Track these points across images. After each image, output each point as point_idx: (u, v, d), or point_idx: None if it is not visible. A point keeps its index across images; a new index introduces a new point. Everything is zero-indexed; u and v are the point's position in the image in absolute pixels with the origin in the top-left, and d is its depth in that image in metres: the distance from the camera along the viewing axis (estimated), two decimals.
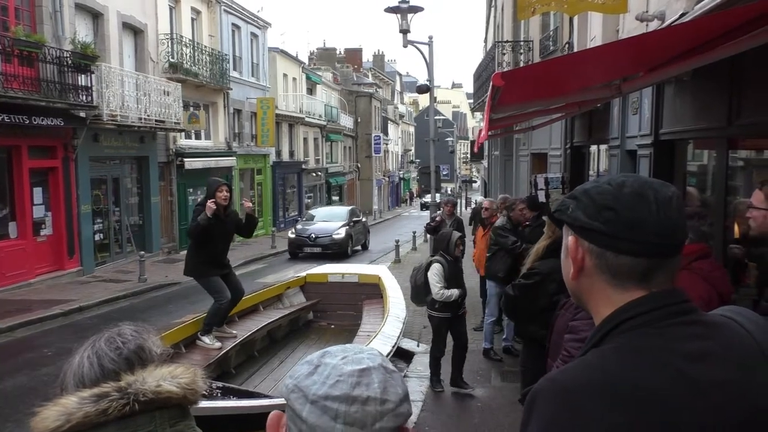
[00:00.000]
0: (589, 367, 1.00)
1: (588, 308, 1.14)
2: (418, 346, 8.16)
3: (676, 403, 0.94)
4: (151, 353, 1.39)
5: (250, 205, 7.25)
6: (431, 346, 6.66)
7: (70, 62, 13.36)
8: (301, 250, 19.01)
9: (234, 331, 7.13)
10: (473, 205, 28.28)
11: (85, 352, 1.37)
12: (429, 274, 6.30)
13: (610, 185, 1.07)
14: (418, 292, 6.61)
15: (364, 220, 22.93)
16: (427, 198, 47.71)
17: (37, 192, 13.67)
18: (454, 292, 6.26)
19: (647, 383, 0.95)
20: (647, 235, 1.02)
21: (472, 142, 34.13)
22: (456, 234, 6.55)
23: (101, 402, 1.23)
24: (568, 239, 1.12)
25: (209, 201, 6.45)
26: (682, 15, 4.70)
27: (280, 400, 4.98)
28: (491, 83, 3.34)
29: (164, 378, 1.29)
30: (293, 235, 19.47)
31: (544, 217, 8.34)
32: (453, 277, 6.31)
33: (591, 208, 1.06)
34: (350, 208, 23.89)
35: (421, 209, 47.85)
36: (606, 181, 1.09)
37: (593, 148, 10.24)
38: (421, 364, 7.53)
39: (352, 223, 20.41)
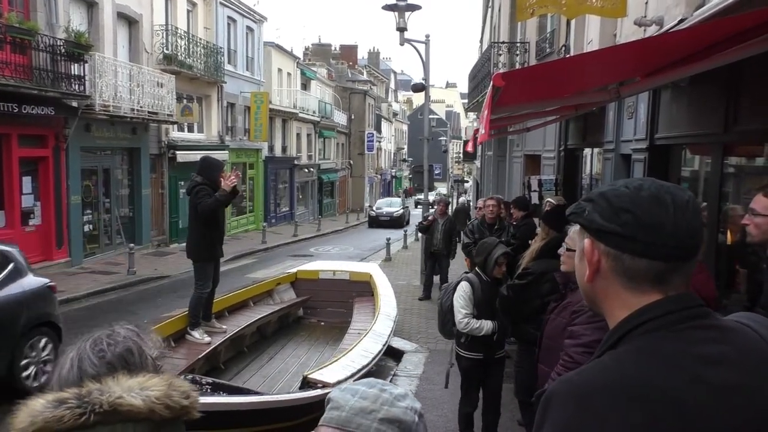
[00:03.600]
0: (606, 369, 1.00)
1: (602, 311, 1.14)
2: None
3: (692, 406, 0.95)
4: (143, 357, 1.29)
5: (235, 178, 6.99)
6: (461, 397, 5.04)
7: (63, 51, 13.23)
8: None
9: (224, 326, 7.10)
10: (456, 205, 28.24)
11: (71, 353, 1.29)
12: (454, 296, 4.79)
13: (627, 188, 1.07)
14: (446, 320, 4.98)
15: None
16: (386, 206, 31.83)
17: (27, 181, 13.53)
18: (485, 326, 4.60)
19: (664, 386, 0.96)
20: (664, 238, 1.02)
21: (465, 142, 34.13)
22: (501, 248, 4.74)
23: (59, 408, 1.16)
24: (584, 242, 1.12)
25: (230, 177, 6.55)
26: (681, 21, 4.71)
27: (269, 397, 4.92)
28: (492, 83, 3.33)
29: (131, 389, 1.19)
30: None
31: (536, 219, 8.45)
32: (487, 304, 4.65)
33: (608, 210, 1.07)
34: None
35: (370, 225, 31.03)
36: (623, 184, 1.10)
37: (587, 151, 10.27)
38: (410, 363, 7.53)
39: None
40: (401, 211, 32.11)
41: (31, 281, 6.64)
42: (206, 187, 6.58)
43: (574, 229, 3.14)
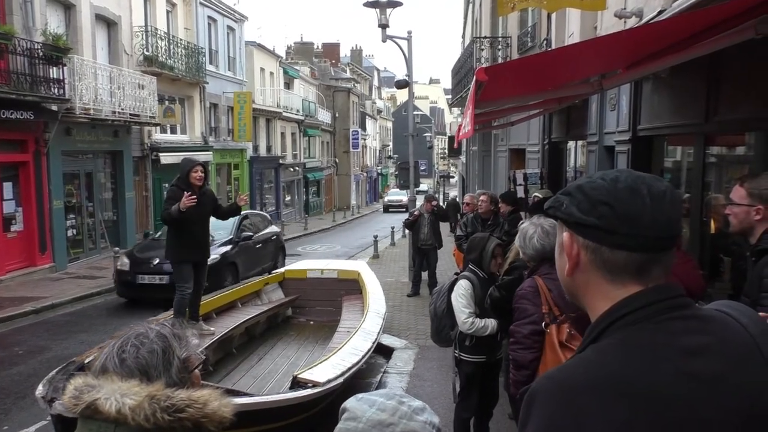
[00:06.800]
0: (588, 364, 1.00)
1: (583, 304, 1.14)
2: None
3: (675, 398, 0.95)
4: (168, 359, 1.36)
5: (245, 199, 7.36)
6: (458, 402, 4.74)
7: (41, 54, 13.05)
8: None
9: (212, 328, 7.05)
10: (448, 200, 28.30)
11: (112, 343, 1.39)
12: (453, 296, 4.51)
13: (603, 180, 1.07)
14: (441, 326, 4.73)
15: None
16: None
17: (7, 187, 13.35)
18: (490, 324, 4.38)
19: (647, 378, 0.95)
20: (642, 229, 1.02)
21: (450, 138, 34.19)
22: (493, 240, 4.59)
23: (68, 393, 1.30)
24: (563, 236, 1.12)
25: (187, 197, 6.35)
26: (660, 12, 4.75)
27: (260, 398, 4.88)
28: (474, 78, 3.33)
29: (113, 393, 1.26)
30: None
31: (522, 213, 8.49)
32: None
33: (585, 203, 1.06)
34: None
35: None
36: (599, 176, 1.09)
37: (570, 143, 10.33)
38: (401, 359, 7.53)
39: None
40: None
41: None
42: (175, 188, 6.62)
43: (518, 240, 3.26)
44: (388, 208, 41.89)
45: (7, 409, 6.16)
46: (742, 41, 3.16)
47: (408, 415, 1.03)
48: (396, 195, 42.50)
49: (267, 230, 13.95)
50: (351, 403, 1.07)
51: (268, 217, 15.62)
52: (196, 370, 1.43)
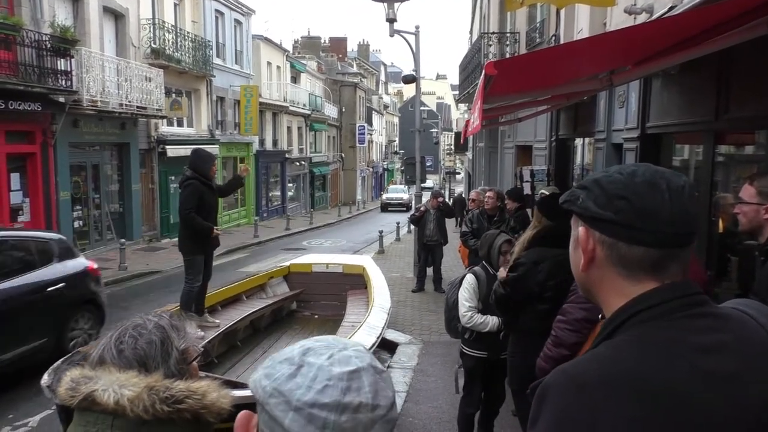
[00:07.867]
0: (603, 360, 0.98)
1: (598, 300, 1.12)
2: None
3: (690, 396, 0.93)
4: (166, 350, 1.34)
5: (248, 169, 7.42)
6: (461, 397, 4.80)
7: (49, 46, 13.10)
8: None
9: (217, 321, 7.07)
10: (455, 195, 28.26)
11: (109, 334, 1.37)
12: (460, 290, 4.60)
13: (621, 174, 1.05)
14: (451, 317, 4.79)
15: None
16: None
17: (15, 178, 13.42)
18: (490, 321, 4.41)
19: (661, 376, 0.94)
20: (660, 224, 1.00)
21: (457, 134, 34.07)
22: (502, 237, 4.57)
23: (64, 385, 1.28)
24: (578, 230, 1.10)
25: (215, 231, 6.67)
26: (671, 8, 4.70)
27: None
28: (483, 72, 3.30)
29: (111, 384, 1.25)
30: None
31: (529, 210, 8.47)
32: None
33: (602, 197, 1.04)
34: None
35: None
36: (616, 170, 1.07)
37: (578, 141, 10.28)
38: (405, 354, 7.54)
39: None
40: None
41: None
42: (195, 181, 6.50)
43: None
44: (386, 207, 37.16)
45: (12, 398, 6.20)
46: (753, 38, 3.13)
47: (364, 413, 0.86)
48: (395, 192, 39.65)
49: (41, 272, 6.88)
50: (288, 418, 0.85)
51: (65, 243, 7.62)
52: (195, 362, 1.42)
